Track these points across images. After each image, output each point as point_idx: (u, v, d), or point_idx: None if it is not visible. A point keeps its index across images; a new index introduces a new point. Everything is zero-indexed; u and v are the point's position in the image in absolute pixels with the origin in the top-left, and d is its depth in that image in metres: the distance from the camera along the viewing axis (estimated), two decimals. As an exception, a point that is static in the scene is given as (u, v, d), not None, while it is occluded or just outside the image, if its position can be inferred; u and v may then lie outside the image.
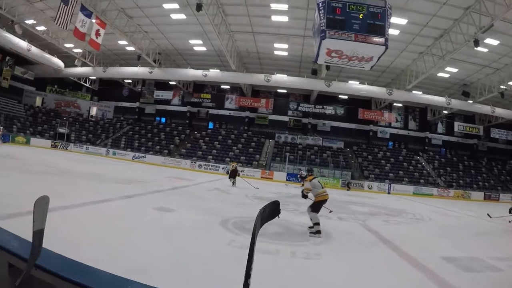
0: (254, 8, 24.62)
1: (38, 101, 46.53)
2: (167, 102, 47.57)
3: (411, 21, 23.48)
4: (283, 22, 26.20)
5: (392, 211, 17.81)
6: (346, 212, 15.62)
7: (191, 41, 32.71)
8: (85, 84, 45.80)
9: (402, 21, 23.37)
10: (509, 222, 15.42)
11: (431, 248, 9.15)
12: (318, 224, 9.28)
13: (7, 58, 39.04)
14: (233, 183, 22.76)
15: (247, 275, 1.29)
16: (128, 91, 48.66)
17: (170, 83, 44.67)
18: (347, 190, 32.61)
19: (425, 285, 6.13)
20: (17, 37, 30.63)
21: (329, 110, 42.18)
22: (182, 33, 30.64)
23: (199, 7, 20.97)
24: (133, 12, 27.25)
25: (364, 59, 14.47)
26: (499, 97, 31.53)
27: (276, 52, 32.91)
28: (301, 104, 43.80)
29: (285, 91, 44.36)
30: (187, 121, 47.11)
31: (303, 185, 10.25)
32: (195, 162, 36.59)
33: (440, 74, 32.36)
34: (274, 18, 25.70)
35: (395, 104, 44.19)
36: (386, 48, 13.23)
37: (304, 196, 9.87)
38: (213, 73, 35.86)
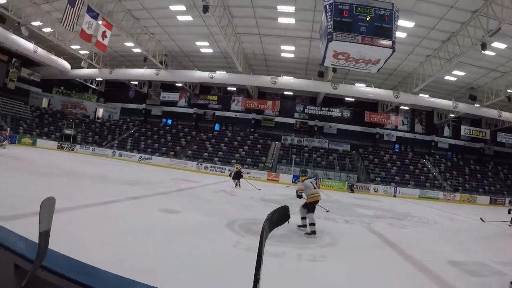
0: (260, 10, 24.57)
1: (45, 103, 46.76)
2: (174, 103, 47.61)
3: (419, 24, 23.38)
4: (290, 24, 26.12)
5: (397, 214, 17.75)
6: (352, 215, 15.62)
7: (198, 43, 32.69)
8: (92, 86, 45.86)
9: (410, 24, 23.26)
10: (509, 226, 15.41)
11: (436, 252, 9.12)
12: (313, 224, 9.45)
13: (14, 59, 39.31)
14: (236, 184, 22.84)
15: (256, 280, 1.27)
16: (135, 92, 48.74)
17: (177, 84, 44.68)
18: (350, 192, 32.51)
19: (430, 289, 6.11)
20: (24, 38, 30.68)
21: (335, 112, 42.15)
22: (188, 35, 30.64)
23: (205, 8, 20.94)
24: (140, 13, 27.29)
25: (371, 61, 14.42)
26: (506, 101, 31.28)
27: (283, 54, 32.84)
28: (307, 107, 43.78)
29: (291, 93, 44.25)
30: (193, 123, 47.10)
31: None
32: (201, 164, 36.64)
33: (447, 77, 32.18)
34: (281, 20, 25.62)
35: (401, 107, 44.05)
36: (393, 51, 13.18)
37: (299, 196, 10.18)
38: (220, 75, 35.80)
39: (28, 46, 32.19)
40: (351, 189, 33.43)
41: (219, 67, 36.27)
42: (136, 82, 46.26)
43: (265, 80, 35.61)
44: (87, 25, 23.44)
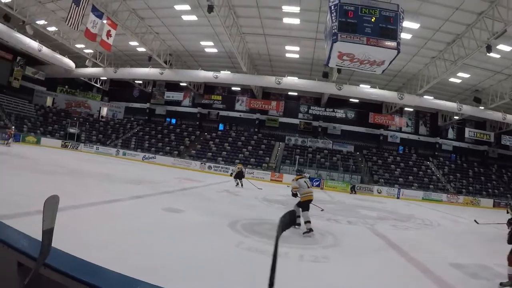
0: (265, 10, 24.54)
1: (49, 101, 46.94)
2: (178, 103, 47.64)
3: (424, 26, 23.30)
4: (295, 25, 26.09)
5: (401, 216, 17.71)
6: (355, 216, 15.59)
7: (202, 43, 32.70)
8: (96, 85, 45.98)
9: (415, 26, 23.19)
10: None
11: (439, 254, 9.13)
12: (309, 222, 9.57)
13: (18, 58, 39.42)
14: (238, 183, 23.01)
15: (271, 284, 1.27)
16: (139, 92, 48.80)
17: (181, 84, 44.70)
18: (350, 193, 32.36)
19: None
20: (28, 37, 30.78)
21: (339, 113, 42.10)
22: (193, 34, 30.64)
23: (210, 8, 20.95)
24: (145, 13, 27.32)
25: (376, 62, 14.43)
26: (511, 104, 31.23)
27: (288, 55, 32.80)
28: (311, 107, 43.75)
29: (295, 93, 44.11)
30: (198, 123, 47.13)
31: None
32: (204, 164, 36.66)
33: (452, 79, 32.04)
34: (286, 20, 25.58)
35: (406, 108, 43.94)
36: (398, 52, 13.19)
37: (294, 194, 10.37)
38: (224, 75, 35.82)
39: (33, 44, 32.27)
40: (353, 190, 33.31)
41: (223, 67, 36.28)
42: (141, 82, 46.28)
43: (269, 81, 35.58)
44: (91, 24, 23.48)
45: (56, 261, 1.40)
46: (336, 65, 16.34)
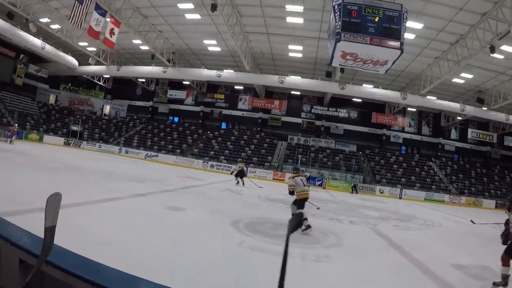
0: (269, 9, 24.53)
1: (52, 99, 47.01)
2: (181, 101, 47.62)
3: (427, 26, 23.25)
4: (298, 24, 26.06)
5: (403, 216, 17.68)
6: (357, 216, 15.57)
7: (206, 41, 32.70)
8: (99, 83, 46.16)
9: (418, 26, 23.14)
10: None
11: (441, 255, 9.13)
12: (306, 219, 9.57)
13: (21, 56, 39.48)
14: (238, 182, 23.13)
15: (281, 285, 1.28)
16: (142, 90, 48.83)
17: (184, 82, 44.70)
18: (351, 193, 32.21)
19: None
20: (32, 35, 30.84)
21: (342, 113, 42.01)
22: (196, 33, 30.63)
23: (214, 7, 20.96)
24: (148, 11, 27.33)
25: (379, 62, 14.40)
26: (514, 105, 31.21)
27: (291, 54, 32.76)
28: (314, 106, 43.65)
29: (298, 93, 44.10)
30: (200, 121, 47.12)
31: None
32: (207, 162, 36.67)
33: (455, 80, 31.95)
34: (289, 19, 25.56)
35: (408, 108, 43.82)
36: (402, 52, 13.15)
37: (291, 192, 10.26)
38: (227, 74, 35.82)
39: (36, 42, 32.35)
40: (354, 190, 33.16)
41: (226, 65, 36.31)
42: (144, 80, 46.40)
43: (272, 80, 35.58)
44: (95, 22, 23.52)
45: (58, 258, 1.41)
46: (339, 65, 16.32)
